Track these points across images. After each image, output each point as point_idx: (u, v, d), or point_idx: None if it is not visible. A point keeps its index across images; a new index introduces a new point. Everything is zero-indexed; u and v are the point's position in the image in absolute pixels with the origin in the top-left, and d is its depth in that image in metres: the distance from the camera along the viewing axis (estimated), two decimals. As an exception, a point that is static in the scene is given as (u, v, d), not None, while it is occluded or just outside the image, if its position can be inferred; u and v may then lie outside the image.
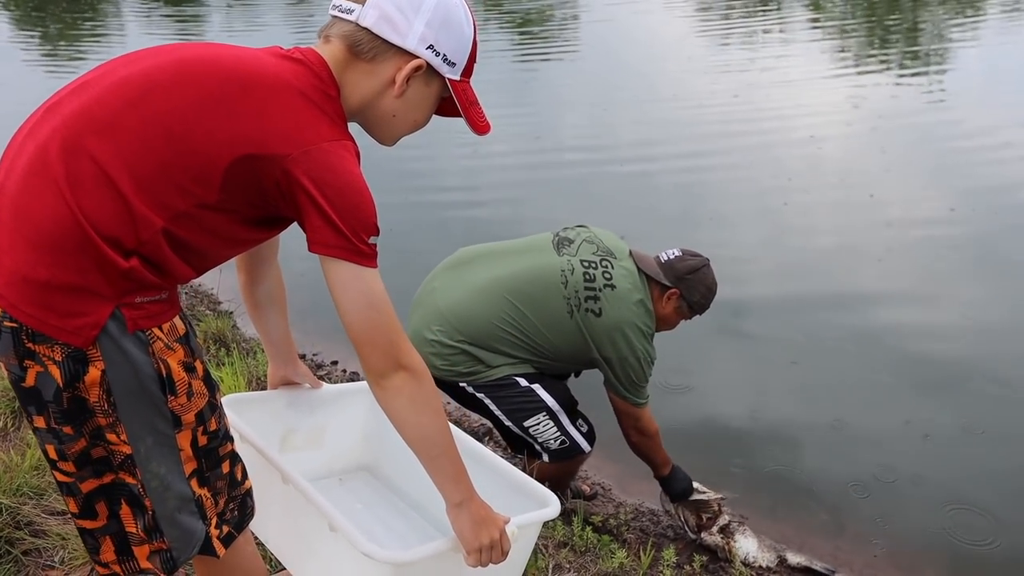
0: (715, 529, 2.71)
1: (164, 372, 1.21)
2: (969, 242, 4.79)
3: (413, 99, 1.38)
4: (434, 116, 1.45)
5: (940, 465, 3.15)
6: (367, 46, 1.33)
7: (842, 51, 9.20)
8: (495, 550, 1.46)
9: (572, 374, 2.79)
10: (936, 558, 2.79)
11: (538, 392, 2.53)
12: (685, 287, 2.62)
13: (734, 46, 9.85)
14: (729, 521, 2.73)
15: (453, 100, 1.41)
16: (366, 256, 1.27)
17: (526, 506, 1.68)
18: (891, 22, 11.15)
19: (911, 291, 4.30)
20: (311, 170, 1.22)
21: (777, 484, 3.07)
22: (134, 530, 1.28)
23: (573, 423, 2.60)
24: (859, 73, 8.49)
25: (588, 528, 2.47)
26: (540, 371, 2.58)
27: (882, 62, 8.90)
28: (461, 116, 1.43)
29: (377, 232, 1.29)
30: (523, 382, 2.53)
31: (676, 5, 12.60)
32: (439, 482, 1.43)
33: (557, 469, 2.64)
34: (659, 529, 2.87)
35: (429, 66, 1.36)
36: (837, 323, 4.00)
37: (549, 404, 2.54)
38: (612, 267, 2.55)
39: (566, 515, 2.58)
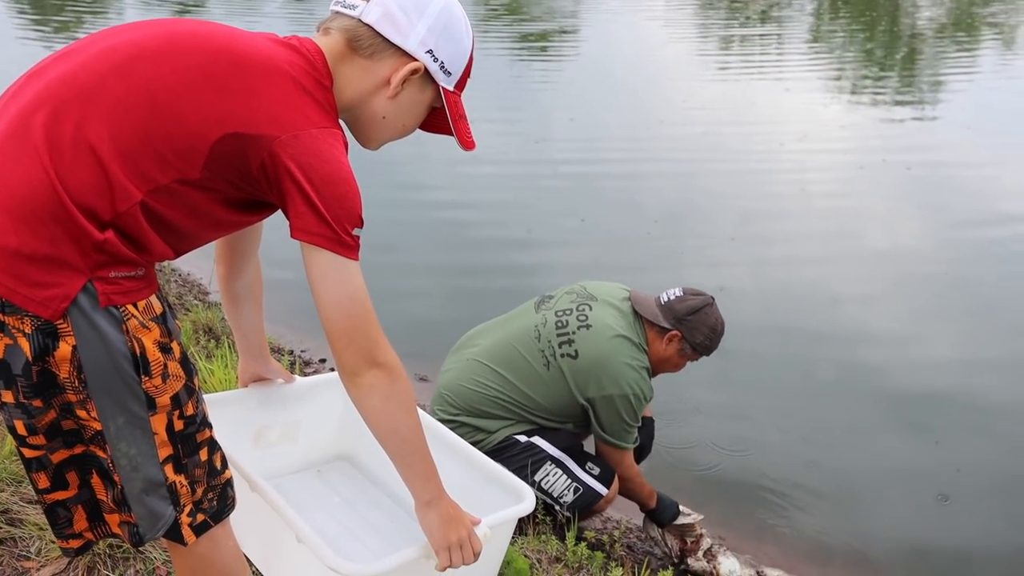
0: (700, 553, 2.69)
1: (138, 351, 1.18)
2: (952, 277, 4.78)
3: (405, 103, 1.37)
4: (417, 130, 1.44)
5: (914, 492, 3.15)
6: (367, 42, 1.33)
7: (837, 83, 9.23)
8: (464, 549, 1.45)
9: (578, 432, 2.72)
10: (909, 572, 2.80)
11: (539, 444, 2.49)
12: (686, 329, 2.52)
13: (730, 73, 9.87)
14: (711, 544, 2.71)
15: (439, 114, 1.40)
16: (349, 247, 1.26)
17: (501, 498, 1.69)
18: (887, 57, 11.23)
19: (893, 325, 4.29)
20: (298, 155, 1.21)
21: (753, 506, 3.06)
22: (105, 499, 1.27)
23: (582, 467, 2.52)
24: (851, 105, 8.51)
25: (582, 544, 2.44)
26: (540, 427, 2.53)
27: (875, 95, 8.94)
28: (445, 132, 1.42)
29: (362, 224, 1.28)
30: (523, 439, 2.49)
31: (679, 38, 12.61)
32: (409, 480, 1.43)
33: (581, 519, 2.60)
34: (645, 546, 2.85)
35: (426, 71, 1.35)
36: (818, 351, 3.98)
37: (552, 454, 2.50)
38: (590, 309, 2.51)
39: (559, 529, 2.57)
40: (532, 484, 2.49)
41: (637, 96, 8.25)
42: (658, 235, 5.07)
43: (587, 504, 2.52)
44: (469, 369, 2.53)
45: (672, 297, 2.55)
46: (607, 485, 2.55)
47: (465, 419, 2.50)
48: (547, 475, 2.48)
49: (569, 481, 2.49)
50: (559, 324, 2.48)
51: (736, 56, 10.64)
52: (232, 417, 1.80)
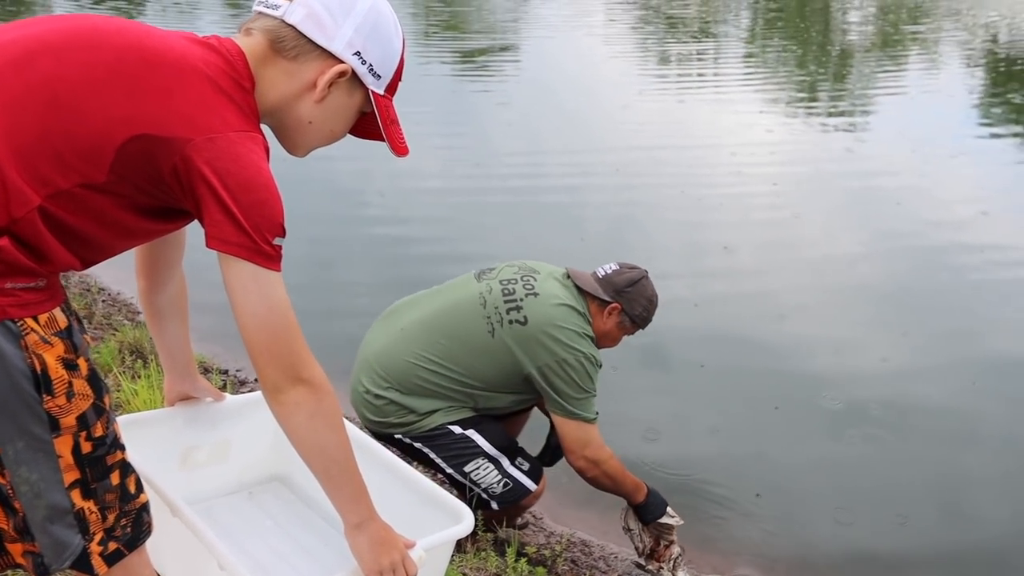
0: (667, 562, 2.61)
1: (39, 368, 1.10)
2: (889, 286, 4.87)
3: (332, 107, 1.32)
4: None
5: (855, 500, 3.17)
6: (290, 43, 1.27)
7: (772, 98, 9.40)
8: (398, 573, 1.40)
9: (517, 411, 2.67)
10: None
11: (473, 438, 2.44)
12: (626, 301, 2.52)
13: (668, 90, 9.99)
14: (679, 554, 2.63)
15: (369, 119, 1.35)
16: (269, 258, 1.20)
17: (438, 519, 1.63)
18: (820, 71, 11.51)
19: (832, 333, 4.33)
20: (214, 159, 1.14)
21: (695, 516, 3.01)
22: (6, 527, 1.17)
23: (513, 463, 2.48)
24: (785, 119, 8.65)
25: (523, 560, 2.40)
26: (476, 412, 2.47)
27: (809, 109, 9.15)
28: (376, 138, 1.37)
29: (283, 233, 1.21)
30: (457, 429, 2.43)
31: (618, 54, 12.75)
32: (337, 502, 1.37)
33: (507, 513, 2.55)
34: (591, 560, 2.79)
35: (354, 74, 1.30)
36: (758, 361, 3.98)
37: (486, 450, 2.44)
38: (536, 280, 2.49)
39: (499, 545, 2.51)
40: (463, 475, 2.45)
41: (577, 114, 8.28)
42: (596, 250, 5.00)
43: (515, 499, 2.49)
44: (404, 339, 2.45)
45: (609, 271, 2.56)
46: (536, 481, 2.51)
47: (395, 396, 2.41)
48: (478, 468, 2.43)
49: (499, 476, 2.45)
50: (505, 292, 2.44)
51: (674, 72, 10.79)
52: (157, 437, 1.73)
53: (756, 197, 6.11)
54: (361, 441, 1.73)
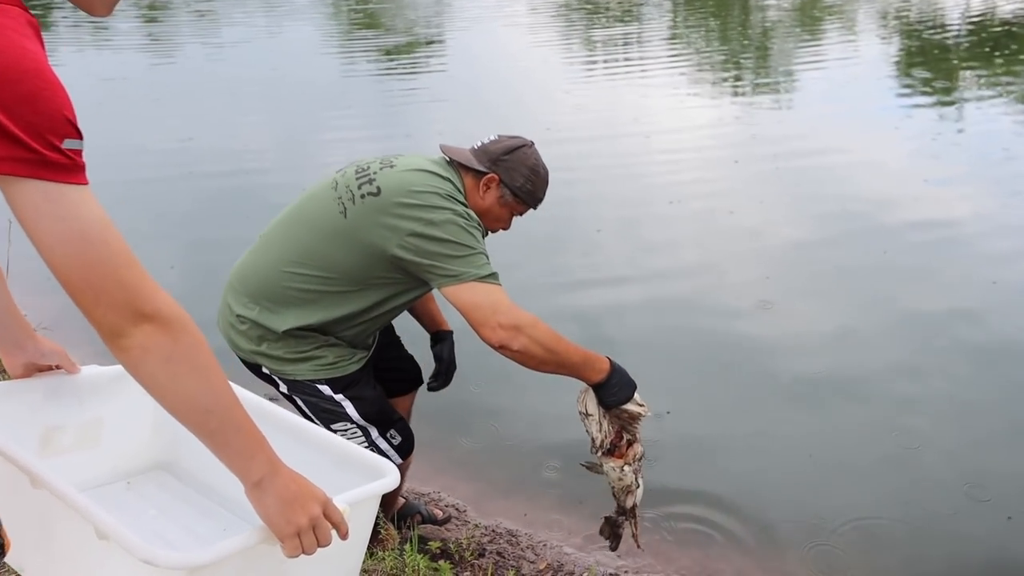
0: (632, 462, 2.13)
1: None
2: (821, 251, 4.86)
3: None
4: None
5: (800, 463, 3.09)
6: None
7: (697, 79, 9.38)
8: (320, 530, 1.16)
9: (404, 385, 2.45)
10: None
11: (344, 406, 2.18)
12: (503, 171, 2.19)
13: (595, 75, 9.91)
14: (642, 455, 2.17)
15: None
16: (61, 168, 0.94)
17: (356, 483, 1.38)
18: (743, 50, 11.57)
19: (772, 301, 4.28)
20: None
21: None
22: None
23: (383, 435, 2.22)
24: (712, 99, 8.63)
25: (423, 556, 2.19)
26: (351, 351, 2.16)
27: (735, 89, 9.15)
28: None
29: (76, 133, 0.96)
30: (326, 390, 2.16)
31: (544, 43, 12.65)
32: (227, 461, 1.13)
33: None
34: (518, 551, 2.62)
35: None
36: (711, 348, 3.88)
37: (356, 420, 2.19)
38: (396, 158, 2.20)
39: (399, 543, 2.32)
40: (332, 432, 2.19)
41: (506, 106, 8.12)
42: (539, 244, 4.86)
43: None
44: (263, 245, 2.19)
45: (486, 140, 2.26)
46: (403, 456, 2.25)
47: (254, 314, 2.11)
48: (346, 430, 2.19)
49: (366, 445, 2.19)
50: (359, 171, 2.14)
51: (600, 58, 10.71)
52: (10, 414, 1.44)
53: (692, 185, 6.00)
54: (248, 399, 1.47)
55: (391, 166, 2.15)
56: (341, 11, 14.45)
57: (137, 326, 1.02)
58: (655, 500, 2.77)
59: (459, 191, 2.14)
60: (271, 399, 1.66)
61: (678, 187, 5.93)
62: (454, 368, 2.51)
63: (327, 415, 2.19)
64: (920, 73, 9.74)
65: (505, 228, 2.30)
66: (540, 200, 2.29)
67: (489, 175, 2.20)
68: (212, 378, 1.09)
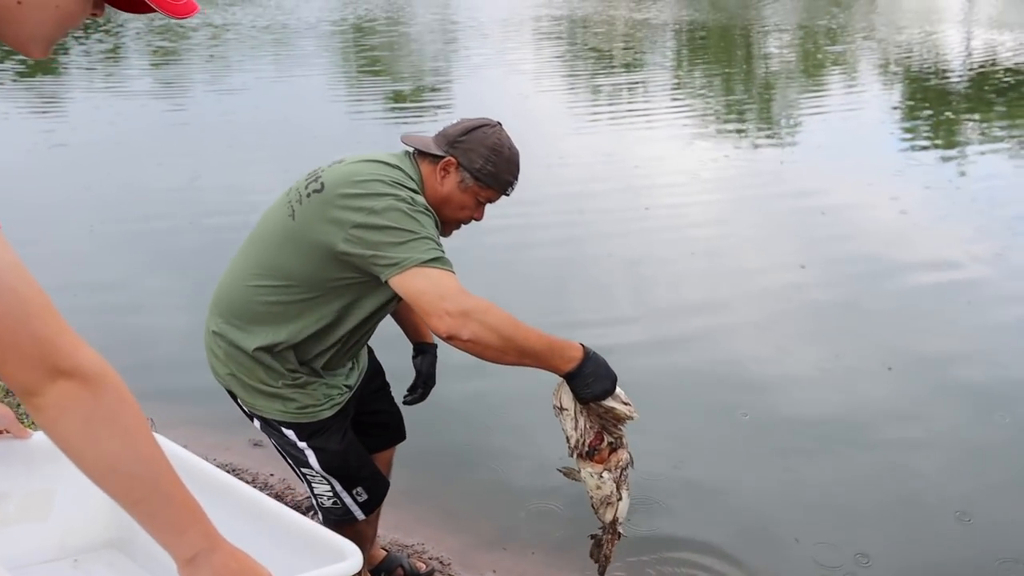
0: (615, 468, 1.88)
1: None
2: (825, 295, 4.85)
3: None
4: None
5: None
6: None
7: (702, 128, 9.40)
8: None
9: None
10: None
11: (307, 454, 2.08)
12: (460, 152, 2.02)
13: (600, 123, 9.96)
14: (628, 463, 1.92)
15: None
16: None
17: (313, 565, 1.29)
18: (746, 98, 11.63)
19: (769, 343, 4.26)
20: None
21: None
22: None
23: (349, 491, 2.13)
24: (716, 148, 8.58)
25: None
26: (311, 425, 2.06)
27: (738, 136, 9.16)
28: (141, 9, 1.02)
29: None
30: (291, 435, 2.06)
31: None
32: (155, 533, 1.04)
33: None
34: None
35: None
36: (714, 393, 3.85)
37: (319, 471, 2.09)
38: (346, 157, 2.09)
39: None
40: (299, 474, 2.14)
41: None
42: (545, 296, 4.82)
43: (339, 520, 2.13)
44: (234, 261, 2.11)
45: (448, 124, 2.12)
46: (366, 512, 2.16)
47: (225, 330, 2.02)
48: (313, 478, 2.11)
49: (331, 492, 2.12)
50: (310, 173, 2.06)
51: (604, 106, 10.77)
52: None
53: (696, 228, 5.99)
54: (185, 460, 1.41)
55: (340, 162, 2.06)
56: (349, 58, 14.62)
57: (53, 383, 0.94)
58: (659, 547, 2.75)
59: (410, 179, 1.99)
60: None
61: (681, 231, 5.92)
62: (432, 383, 2.41)
63: (294, 459, 2.12)
64: (924, 119, 9.75)
65: (476, 217, 2.12)
66: (508, 183, 2.09)
67: (446, 159, 2.04)
68: (138, 441, 1.01)
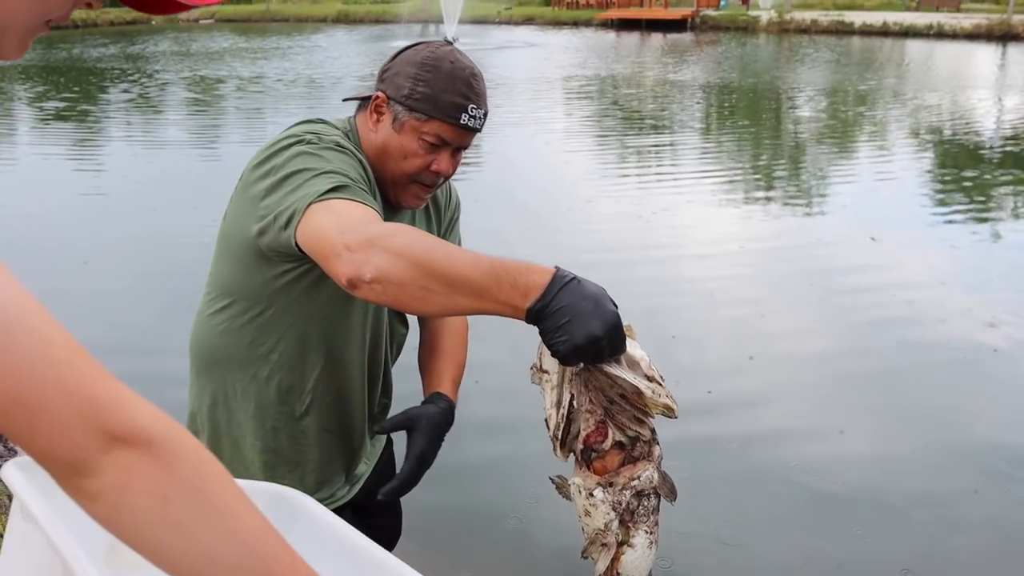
0: (620, 487, 1.12)
1: None
2: (863, 372, 4.81)
3: None
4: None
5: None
6: None
7: (730, 191, 9.44)
8: None
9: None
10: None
11: None
12: (387, 84, 1.58)
13: (628, 186, 10.05)
14: (650, 487, 1.15)
15: None
16: None
17: None
18: (774, 161, 11.72)
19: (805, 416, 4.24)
20: None
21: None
22: None
23: None
24: (745, 212, 8.66)
25: None
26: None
27: (767, 200, 9.19)
28: (154, 10, 0.80)
29: None
30: None
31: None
32: None
33: None
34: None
35: None
36: (746, 460, 3.86)
37: None
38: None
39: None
40: None
41: (538, 215, 8.16)
42: None
43: None
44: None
45: None
46: None
47: (191, 373, 1.74)
48: None
49: None
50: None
51: (632, 167, 10.90)
52: (82, 521, 1.32)
53: (726, 293, 5.99)
54: (310, 515, 1.24)
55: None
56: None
57: (106, 455, 0.68)
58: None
59: (335, 129, 1.57)
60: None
61: (712, 294, 5.95)
62: (427, 462, 1.57)
63: None
64: (957, 185, 9.78)
65: (437, 169, 1.59)
66: (454, 106, 1.53)
67: (374, 97, 1.60)
68: (236, 515, 0.73)
